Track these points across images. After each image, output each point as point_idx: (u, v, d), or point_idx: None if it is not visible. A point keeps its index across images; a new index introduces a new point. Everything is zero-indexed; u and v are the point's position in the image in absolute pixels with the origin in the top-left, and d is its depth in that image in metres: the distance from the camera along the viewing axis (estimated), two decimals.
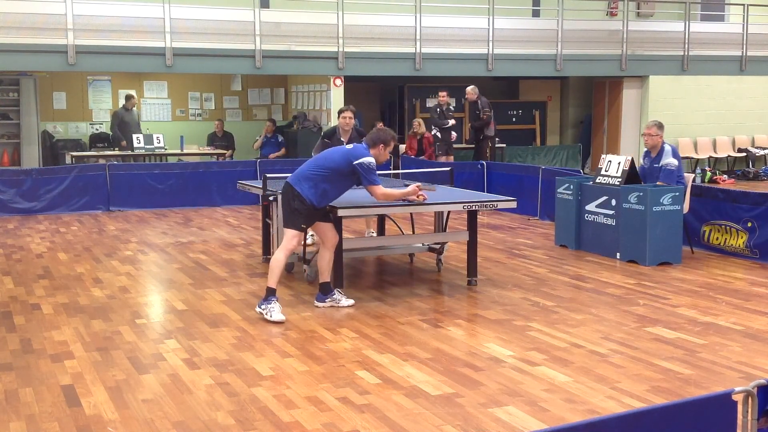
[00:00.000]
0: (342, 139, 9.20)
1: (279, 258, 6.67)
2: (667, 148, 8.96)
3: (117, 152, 15.73)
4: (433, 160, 15.00)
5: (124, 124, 15.44)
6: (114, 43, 13.72)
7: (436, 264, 8.53)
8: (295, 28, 14.75)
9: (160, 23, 13.88)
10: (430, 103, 17.99)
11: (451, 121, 14.69)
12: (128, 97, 15.84)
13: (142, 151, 15.05)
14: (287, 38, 14.67)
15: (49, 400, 4.83)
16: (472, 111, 14.88)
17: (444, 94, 14.76)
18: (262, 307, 6.62)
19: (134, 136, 15.11)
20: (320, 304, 6.94)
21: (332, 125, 15.36)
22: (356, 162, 6.63)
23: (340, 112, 9.40)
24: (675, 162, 8.89)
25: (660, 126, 9.05)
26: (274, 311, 6.53)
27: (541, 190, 11.85)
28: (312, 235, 9.58)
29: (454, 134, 14.75)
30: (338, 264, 7.24)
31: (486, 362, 5.52)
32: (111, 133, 16.18)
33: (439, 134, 14.58)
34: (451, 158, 14.63)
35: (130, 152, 15.27)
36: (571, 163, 17.80)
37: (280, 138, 16.45)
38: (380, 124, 16.11)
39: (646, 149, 9.18)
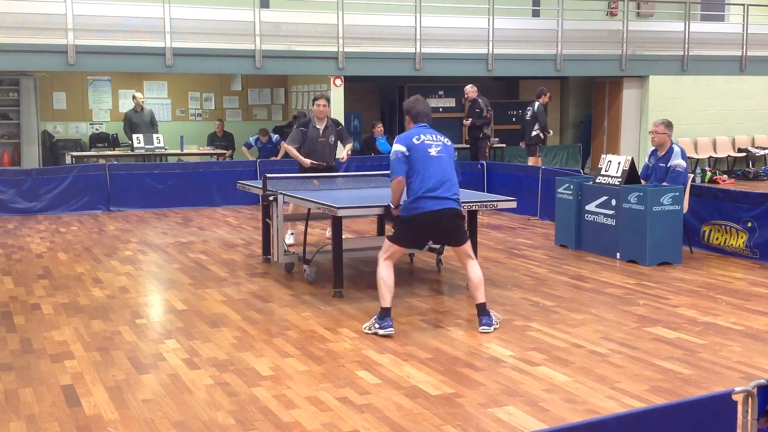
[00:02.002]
0: (317, 126, 9.26)
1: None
2: (677, 149, 8.93)
3: (117, 152, 15.74)
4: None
5: (133, 125, 15.48)
6: (114, 43, 13.71)
7: (436, 264, 8.53)
8: (295, 28, 14.75)
9: (160, 23, 13.88)
10: (430, 103, 17.89)
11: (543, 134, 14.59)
12: (132, 98, 15.87)
13: (142, 151, 15.05)
14: (287, 38, 14.66)
15: (49, 400, 4.83)
16: (471, 109, 14.86)
17: (545, 95, 14.59)
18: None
19: (134, 135, 15.12)
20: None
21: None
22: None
23: (314, 100, 9.46)
24: (684, 164, 8.87)
25: (668, 124, 9.02)
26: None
27: (541, 190, 11.86)
28: (292, 234, 9.55)
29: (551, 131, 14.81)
30: (338, 264, 7.24)
31: (486, 362, 5.52)
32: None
33: (541, 134, 14.48)
34: (539, 160, 14.58)
35: (130, 152, 15.28)
36: (571, 163, 17.80)
37: (275, 137, 16.23)
38: (379, 126, 16.20)
39: (653, 147, 9.16)
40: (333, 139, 9.53)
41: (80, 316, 6.74)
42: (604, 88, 18.49)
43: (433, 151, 6.20)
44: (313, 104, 9.50)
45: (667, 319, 6.53)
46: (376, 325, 6.16)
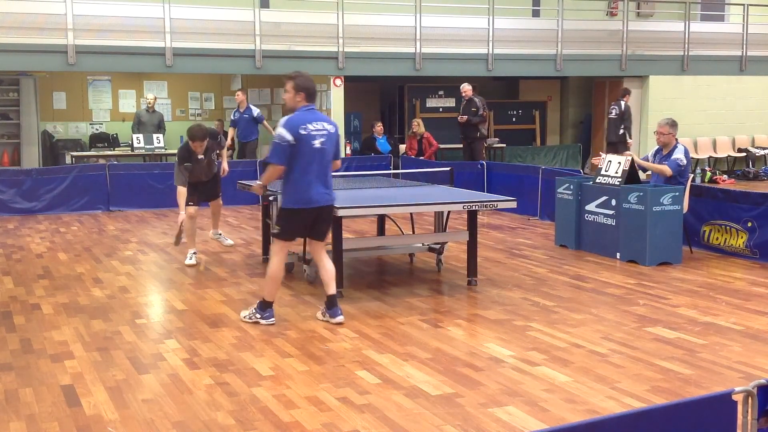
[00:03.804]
0: (200, 157, 8.70)
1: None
2: (680, 147, 9.06)
3: (117, 152, 15.76)
4: (432, 160, 14.97)
5: (141, 123, 15.55)
6: (114, 43, 13.72)
7: (436, 264, 8.53)
8: (295, 28, 14.75)
9: (160, 23, 13.88)
10: (430, 103, 18.00)
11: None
12: (146, 98, 15.99)
13: (142, 151, 15.04)
14: (287, 38, 14.67)
15: (49, 400, 4.83)
16: (467, 108, 14.83)
17: (629, 95, 15.34)
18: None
19: (134, 136, 15.12)
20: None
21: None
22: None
23: (192, 140, 8.55)
24: (684, 160, 8.94)
25: (672, 124, 9.07)
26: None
27: (541, 190, 11.86)
28: (195, 253, 9.02)
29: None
30: (338, 264, 7.23)
31: (486, 362, 5.52)
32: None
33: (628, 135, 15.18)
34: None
35: (130, 152, 15.28)
36: (571, 163, 17.80)
37: (256, 111, 14.86)
38: (379, 125, 16.21)
39: (658, 146, 9.22)
40: (214, 154, 8.93)
41: (80, 316, 6.74)
42: (604, 88, 18.49)
43: (317, 143, 6.21)
44: (191, 144, 8.58)
45: (667, 319, 6.53)
46: (258, 315, 6.47)
